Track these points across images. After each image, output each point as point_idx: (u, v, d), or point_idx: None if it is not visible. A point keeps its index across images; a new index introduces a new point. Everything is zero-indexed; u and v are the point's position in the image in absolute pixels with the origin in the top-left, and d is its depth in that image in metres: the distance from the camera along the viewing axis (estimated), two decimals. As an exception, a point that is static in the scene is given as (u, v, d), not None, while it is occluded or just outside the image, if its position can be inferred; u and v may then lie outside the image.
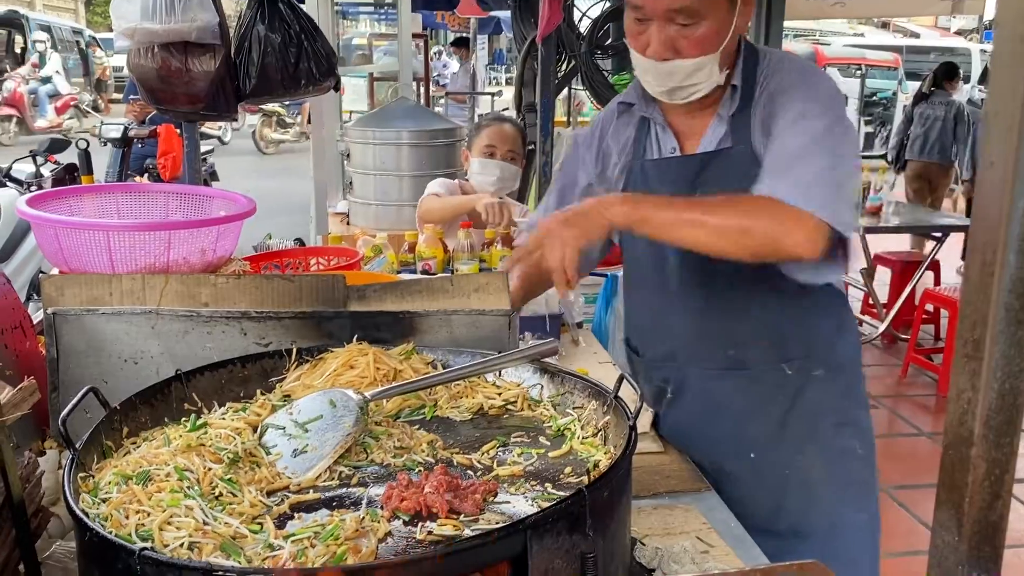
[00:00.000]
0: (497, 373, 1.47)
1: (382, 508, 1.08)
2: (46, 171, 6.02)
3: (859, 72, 16.07)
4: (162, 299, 1.55)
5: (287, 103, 13.21)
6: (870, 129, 16.43)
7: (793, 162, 1.53)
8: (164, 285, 1.55)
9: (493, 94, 12.73)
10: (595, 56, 4.90)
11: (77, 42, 22.15)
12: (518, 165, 3.26)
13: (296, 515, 1.09)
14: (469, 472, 1.21)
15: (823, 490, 1.77)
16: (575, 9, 4.90)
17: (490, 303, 1.64)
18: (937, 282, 6.64)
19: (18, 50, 19.68)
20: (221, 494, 1.08)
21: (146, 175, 6.86)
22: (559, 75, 4.73)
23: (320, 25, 2.91)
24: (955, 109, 8.31)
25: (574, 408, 1.37)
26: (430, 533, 1.03)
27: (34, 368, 1.53)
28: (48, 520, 1.24)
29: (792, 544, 1.68)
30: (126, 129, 6.34)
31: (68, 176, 5.68)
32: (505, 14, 9.16)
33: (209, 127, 15.42)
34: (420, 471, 1.19)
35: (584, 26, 4.98)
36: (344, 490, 1.16)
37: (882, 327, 6.21)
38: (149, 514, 1.00)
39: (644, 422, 1.80)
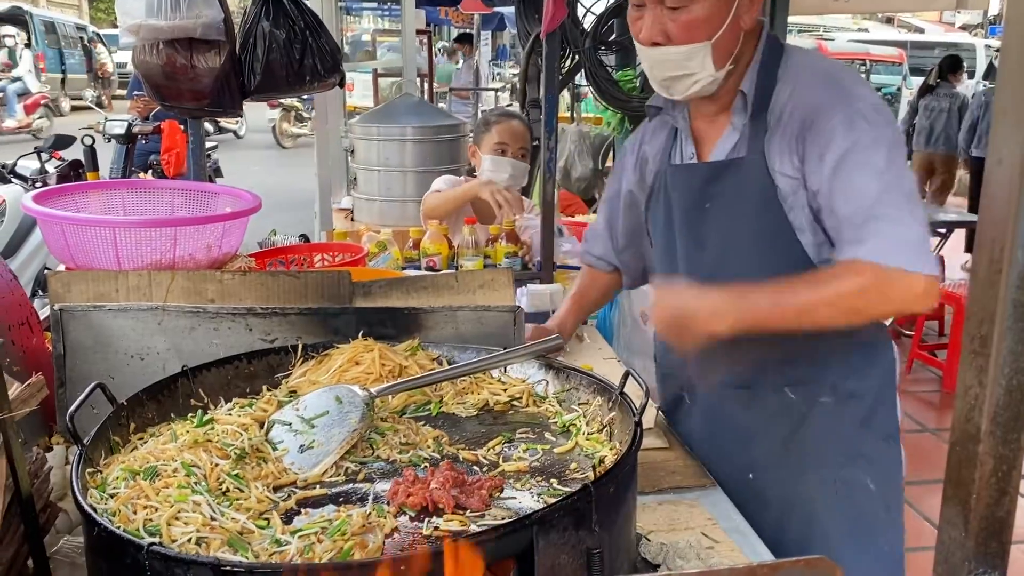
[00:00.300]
0: (502, 369, 1.47)
1: (388, 504, 1.09)
2: (50, 167, 6.03)
3: (863, 68, 16.03)
4: (168, 295, 1.56)
5: (304, 98, 13.27)
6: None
7: (872, 216, 1.45)
8: (170, 281, 1.56)
9: (496, 90, 12.72)
10: (599, 52, 4.90)
11: (81, 38, 22.20)
12: (527, 161, 3.25)
13: (303, 511, 1.09)
14: (475, 468, 1.21)
15: (826, 522, 1.68)
16: (579, 5, 4.89)
17: (495, 299, 1.64)
18: (941, 278, 6.64)
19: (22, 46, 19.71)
20: (228, 490, 1.09)
21: (150, 171, 6.86)
22: (563, 71, 4.73)
23: (324, 21, 2.91)
24: (960, 101, 8.44)
25: (579, 404, 1.37)
26: (436, 528, 1.03)
27: (41, 364, 1.54)
28: (56, 515, 1.25)
29: None
30: (130, 125, 6.34)
31: (72, 172, 5.70)
32: (509, 10, 9.16)
33: (226, 122, 15.70)
34: (426, 467, 1.19)
35: (588, 22, 4.98)
36: (350, 486, 1.16)
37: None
38: (157, 509, 1.01)
39: (649, 418, 1.80)
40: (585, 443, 1.26)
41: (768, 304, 1.49)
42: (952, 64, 8.72)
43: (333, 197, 5.19)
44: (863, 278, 1.44)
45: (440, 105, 10.56)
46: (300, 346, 1.48)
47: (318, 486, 1.16)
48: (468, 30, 14.91)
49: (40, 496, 1.18)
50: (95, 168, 5.14)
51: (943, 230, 6.43)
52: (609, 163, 5.93)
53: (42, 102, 17.06)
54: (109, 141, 6.43)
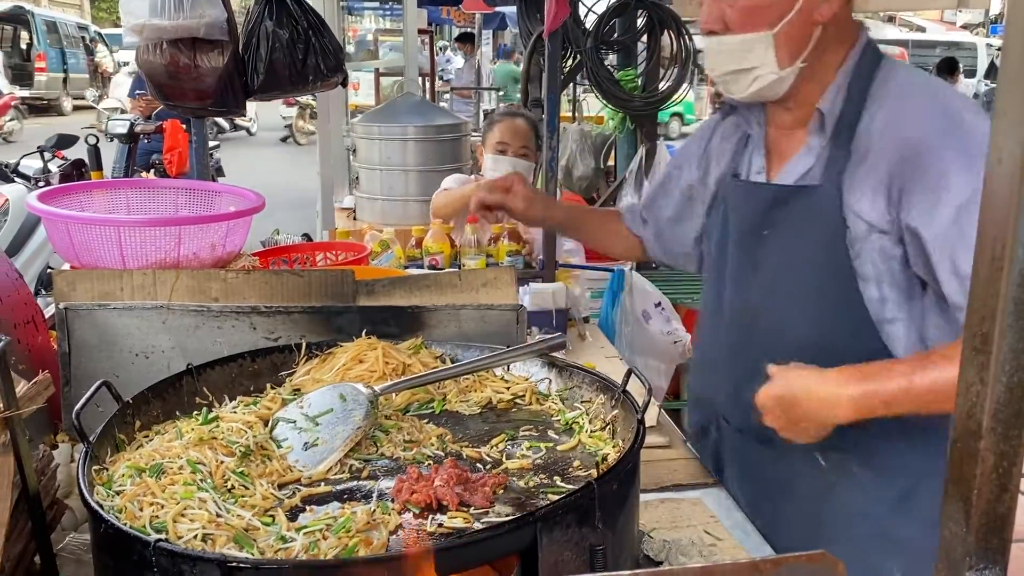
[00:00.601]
0: (505, 367, 1.48)
1: (393, 501, 1.09)
2: (53, 167, 6.04)
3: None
4: (173, 294, 1.56)
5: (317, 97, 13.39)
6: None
7: None
8: (175, 280, 1.57)
9: (498, 89, 12.70)
10: (601, 52, 4.91)
11: (83, 38, 22.22)
12: (531, 160, 3.15)
13: (308, 508, 1.10)
14: (478, 465, 1.22)
15: None
16: (581, 4, 4.90)
17: (498, 298, 1.65)
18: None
19: (24, 46, 19.73)
20: (233, 487, 1.10)
21: (152, 171, 6.88)
22: (564, 70, 4.73)
23: (326, 21, 2.92)
24: None
25: (582, 402, 1.37)
26: (440, 525, 1.04)
27: (46, 362, 1.54)
28: (63, 512, 1.26)
29: None
30: (132, 125, 6.36)
31: (75, 172, 5.71)
32: (510, 9, 9.15)
33: (240, 120, 15.87)
34: (430, 464, 1.20)
35: (590, 22, 4.99)
36: (355, 483, 1.17)
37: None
38: (163, 506, 1.01)
39: (652, 416, 1.80)
40: (588, 441, 1.27)
41: (897, 387, 1.27)
42: (948, 66, 9.11)
43: (335, 196, 5.19)
44: None
45: (441, 104, 10.54)
46: (304, 344, 1.48)
47: (323, 483, 1.16)
48: (470, 29, 14.92)
49: (47, 493, 1.19)
50: (99, 167, 5.15)
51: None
52: (611, 162, 5.93)
53: (12, 103, 16.85)
54: (111, 140, 6.44)
